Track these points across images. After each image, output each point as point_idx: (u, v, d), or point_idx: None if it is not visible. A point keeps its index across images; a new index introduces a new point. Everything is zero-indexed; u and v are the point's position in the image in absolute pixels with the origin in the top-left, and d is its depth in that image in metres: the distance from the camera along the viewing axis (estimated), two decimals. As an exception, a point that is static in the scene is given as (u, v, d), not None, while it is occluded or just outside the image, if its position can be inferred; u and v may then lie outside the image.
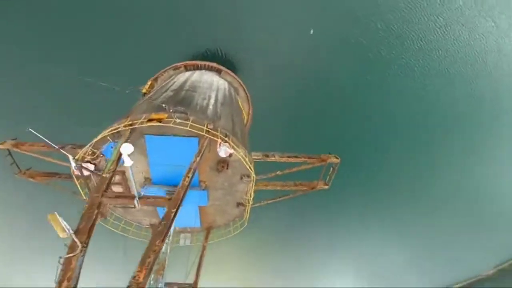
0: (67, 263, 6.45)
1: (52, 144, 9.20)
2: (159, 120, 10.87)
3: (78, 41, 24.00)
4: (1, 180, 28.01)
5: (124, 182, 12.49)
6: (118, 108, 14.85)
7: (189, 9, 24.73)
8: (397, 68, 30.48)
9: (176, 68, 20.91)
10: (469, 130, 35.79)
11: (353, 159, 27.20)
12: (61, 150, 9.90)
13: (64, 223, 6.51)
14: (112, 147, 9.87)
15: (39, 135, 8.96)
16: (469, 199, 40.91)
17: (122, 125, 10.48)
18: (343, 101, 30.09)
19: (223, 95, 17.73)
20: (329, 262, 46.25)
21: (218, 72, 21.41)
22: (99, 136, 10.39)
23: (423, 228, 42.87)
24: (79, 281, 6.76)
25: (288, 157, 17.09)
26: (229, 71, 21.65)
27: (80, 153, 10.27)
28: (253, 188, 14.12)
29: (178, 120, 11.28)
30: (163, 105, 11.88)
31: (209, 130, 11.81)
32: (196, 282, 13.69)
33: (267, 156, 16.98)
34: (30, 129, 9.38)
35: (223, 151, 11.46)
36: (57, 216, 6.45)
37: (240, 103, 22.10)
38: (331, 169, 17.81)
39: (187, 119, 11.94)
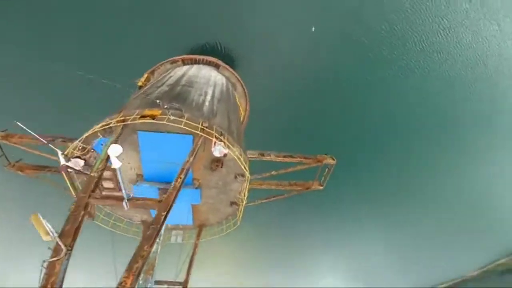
0: (51, 267, 6.21)
1: (40, 138, 8.85)
2: (153, 117, 10.56)
3: (74, 33, 23.47)
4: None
5: (115, 178, 12.19)
6: (114, 101, 14.53)
7: (189, 2, 24.22)
8: (397, 69, 30.25)
9: (173, 62, 20.45)
10: (463, 133, 35.94)
11: (348, 159, 27.05)
12: (50, 145, 9.58)
13: (47, 225, 6.25)
14: (102, 144, 9.56)
15: (25, 128, 8.64)
16: (456, 202, 41.35)
17: (114, 120, 10.16)
18: (342, 101, 29.88)
19: (220, 91, 17.39)
20: (319, 261, 46.71)
21: (216, 67, 20.99)
22: (90, 131, 10.08)
23: (410, 229, 43.41)
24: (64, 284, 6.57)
25: (284, 156, 16.90)
26: (227, 66, 21.23)
27: (69, 148, 9.96)
28: (247, 187, 13.92)
29: (172, 117, 10.99)
30: (157, 101, 11.54)
31: (204, 128, 11.53)
32: (186, 280, 13.55)
33: (263, 155, 16.77)
34: (17, 122, 9.07)
35: (218, 150, 11.20)
36: (40, 217, 6.18)
37: (237, 99, 21.78)
38: (327, 169, 17.71)
39: (182, 116, 11.64)
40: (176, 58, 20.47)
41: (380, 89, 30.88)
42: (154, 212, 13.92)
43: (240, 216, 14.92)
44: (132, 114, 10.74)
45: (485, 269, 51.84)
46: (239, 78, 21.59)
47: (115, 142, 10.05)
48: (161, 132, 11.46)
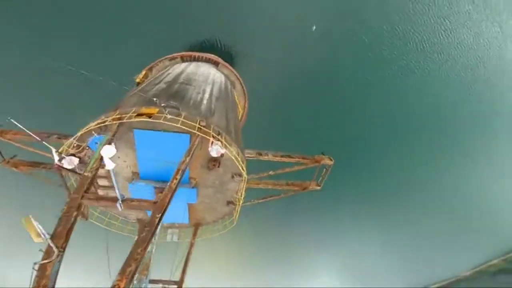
0: (42, 269, 6.09)
1: (33, 135, 8.68)
2: (149, 116, 10.39)
3: (72, 30, 23.16)
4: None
5: (111, 175, 12.07)
6: (113, 99, 14.35)
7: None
8: (397, 69, 30.15)
9: (172, 59, 20.20)
10: (461, 134, 36.01)
11: (346, 159, 27.06)
12: (44, 142, 9.42)
13: (39, 227, 6.12)
14: (96, 143, 9.40)
15: (17, 124, 8.47)
16: (452, 203, 41.57)
17: (110, 118, 10.00)
18: (341, 100, 29.80)
19: (218, 89, 17.21)
20: (314, 261, 46.86)
21: (216, 64, 20.77)
22: (84, 129, 9.91)
23: (406, 230, 43.72)
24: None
25: (282, 156, 16.83)
26: (227, 64, 21.01)
27: (64, 145, 9.79)
28: (244, 187, 13.83)
29: (169, 116, 10.83)
30: (154, 99, 11.37)
31: (201, 127, 11.40)
32: (182, 279, 13.49)
33: (260, 154, 16.69)
34: (10, 119, 8.90)
35: (215, 150, 11.06)
36: (32, 219, 6.05)
37: (236, 97, 21.60)
38: (324, 170, 17.65)
39: (179, 115, 11.49)
40: (175, 55, 20.22)
41: (380, 89, 30.81)
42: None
43: (237, 216, 14.85)
44: (128, 112, 10.56)
45: (478, 269, 52.72)
46: (238, 76, 21.39)
47: (111, 140, 9.91)
48: (157, 130, 11.32)
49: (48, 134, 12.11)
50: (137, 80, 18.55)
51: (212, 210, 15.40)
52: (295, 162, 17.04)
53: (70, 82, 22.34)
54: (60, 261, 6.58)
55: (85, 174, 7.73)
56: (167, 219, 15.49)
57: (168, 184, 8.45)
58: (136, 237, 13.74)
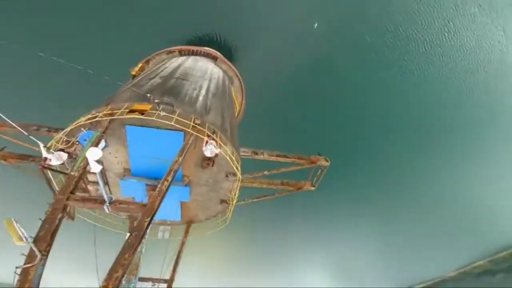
0: (24, 273, 5.86)
1: (18, 127, 8.35)
2: (142, 112, 10.09)
3: (70, 22, 22.50)
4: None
5: (102, 171, 11.80)
6: (108, 92, 14.01)
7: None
8: (397, 70, 29.86)
9: (170, 52, 19.72)
10: (453, 138, 35.86)
11: (341, 158, 26.89)
12: (31, 136, 9.10)
13: (21, 230, 5.87)
14: (85, 140, 9.10)
15: (3, 116, 8.15)
16: (439, 204, 41.79)
17: (101, 114, 9.69)
18: (339, 100, 29.53)
19: (216, 85, 16.87)
20: (300, 260, 47.12)
21: (214, 59, 20.36)
22: (74, 124, 9.60)
23: (393, 230, 43.96)
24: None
25: (277, 156, 16.63)
26: (225, 59, 20.60)
27: (52, 140, 9.48)
28: (238, 187, 13.64)
29: (162, 113, 10.53)
30: (148, 95, 11.05)
31: (195, 126, 11.13)
32: (172, 278, 13.34)
33: (256, 153, 16.49)
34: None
35: (209, 150, 10.80)
36: (14, 222, 5.80)
37: (233, 93, 21.27)
38: (320, 170, 17.50)
39: (173, 112, 11.20)
40: (173, 48, 19.74)
41: (379, 89, 30.55)
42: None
43: (230, 215, 14.69)
44: (120, 107, 10.26)
45: (462, 270, 53.44)
46: (237, 72, 21.01)
47: (101, 137, 9.63)
48: (150, 127, 11.04)
49: (38, 127, 11.77)
50: (133, 72, 18.12)
51: (205, 208, 15.22)
52: (291, 162, 16.87)
53: (66, 77, 21.80)
54: (43, 265, 6.35)
55: (72, 173, 7.45)
56: (159, 216, 15.35)
57: (159, 185, 8.19)
58: (127, 234, 13.63)
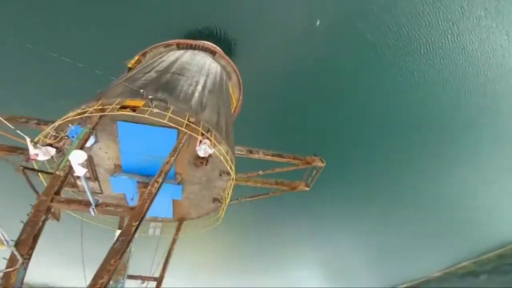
0: (6, 278, 5.63)
1: (4, 121, 8.01)
2: (134, 109, 9.77)
3: (58, 9, 21.72)
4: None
5: (91, 167, 11.54)
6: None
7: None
8: (397, 71, 29.59)
9: (167, 46, 19.24)
10: (446, 141, 35.82)
11: (336, 158, 26.75)
12: (17, 131, 8.78)
13: (2, 233, 5.62)
14: (73, 137, 8.79)
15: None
16: (427, 206, 42.09)
17: (90, 109, 9.36)
18: (339, 99, 29.24)
19: (213, 81, 16.52)
20: (291, 259, 47.42)
21: (212, 53, 19.93)
22: (62, 119, 9.26)
23: (379, 230, 44.28)
24: None
25: (273, 155, 16.43)
26: (224, 54, 20.18)
27: (40, 135, 9.17)
28: (232, 187, 13.43)
29: (155, 110, 10.22)
30: (141, 91, 10.71)
31: (189, 124, 10.84)
32: (162, 276, 13.18)
33: (251, 152, 16.26)
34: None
35: (203, 150, 10.54)
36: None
37: (230, 88, 20.91)
38: (315, 171, 17.38)
39: (167, 109, 10.90)
40: (171, 41, 19.24)
41: (378, 90, 30.30)
42: (132, 203, 13.39)
43: (222, 214, 14.52)
44: (111, 103, 9.93)
45: (447, 270, 54.39)
46: (235, 68, 20.61)
47: (90, 133, 9.33)
48: (143, 123, 10.73)
49: (27, 119, 11.41)
50: (129, 65, 17.68)
51: (197, 206, 15.02)
52: (286, 162, 16.68)
53: (56, 70, 21.20)
54: (25, 269, 6.13)
55: (56, 173, 7.17)
56: (150, 212, 15.15)
57: (149, 187, 7.93)
58: (116, 230, 13.41)
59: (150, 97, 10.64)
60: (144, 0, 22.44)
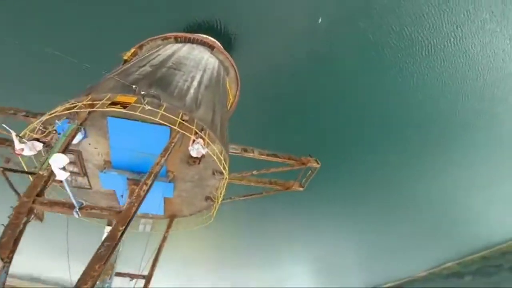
0: (-15, 282, 5.40)
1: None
2: (124, 105, 9.44)
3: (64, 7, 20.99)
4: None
5: (80, 162, 11.23)
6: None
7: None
8: (397, 72, 29.31)
9: (165, 38, 18.72)
10: (440, 143, 35.84)
11: (330, 159, 26.61)
12: (3, 125, 8.47)
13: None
14: (60, 133, 8.46)
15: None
16: (416, 206, 42.35)
17: (79, 104, 9.02)
18: (338, 99, 28.98)
19: (209, 77, 16.14)
20: (281, 259, 47.66)
21: (211, 48, 19.47)
22: (49, 114, 8.92)
23: (369, 230, 44.67)
24: None
25: (268, 155, 16.21)
26: (222, 49, 19.73)
27: (26, 130, 8.83)
28: (224, 186, 13.22)
29: (147, 107, 9.90)
30: (133, 86, 10.35)
31: (182, 122, 10.54)
32: (151, 274, 12.99)
33: (246, 151, 16.01)
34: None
35: (196, 150, 10.27)
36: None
37: (228, 84, 20.54)
38: (310, 172, 17.25)
39: (160, 106, 10.58)
40: (169, 34, 18.73)
41: (377, 91, 30.06)
42: (122, 200, 13.13)
43: (215, 213, 14.35)
44: (101, 98, 9.58)
45: (431, 271, 55.22)
46: (233, 63, 20.20)
47: (78, 129, 9.01)
48: (134, 120, 10.40)
49: (15, 111, 11.02)
50: (125, 57, 17.21)
51: (189, 204, 14.80)
52: (281, 162, 16.50)
53: (48, 65, 20.59)
54: (6, 272, 5.90)
55: (40, 173, 6.87)
56: (140, 209, 14.92)
57: (137, 189, 7.67)
58: (106, 227, 13.18)
59: (142, 93, 10.27)
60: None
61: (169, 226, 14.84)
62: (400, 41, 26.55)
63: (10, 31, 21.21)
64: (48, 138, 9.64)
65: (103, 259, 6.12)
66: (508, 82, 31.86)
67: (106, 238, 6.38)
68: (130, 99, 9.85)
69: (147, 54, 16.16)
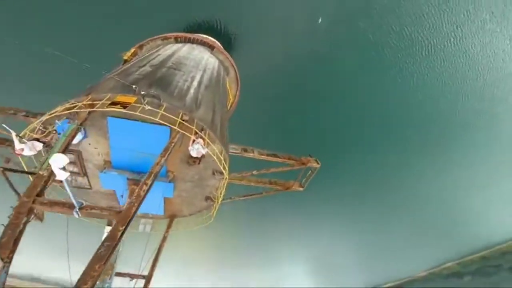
0: (-15, 282, 5.41)
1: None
2: (124, 105, 9.45)
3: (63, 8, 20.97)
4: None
5: (80, 162, 11.24)
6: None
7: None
8: (397, 72, 29.30)
9: (165, 38, 18.73)
10: (439, 143, 35.79)
11: (330, 158, 26.62)
12: (3, 125, 8.47)
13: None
14: (59, 133, 8.47)
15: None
16: (415, 206, 42.29)
17: (79, 104, 9.02)
18: (338, 99, 28.96)
19: (209, 77, 16.15)
20: (279, 258, 47.60)
21: (211, 48, 19.48)
22: (49, 114, 8.93)
23: (369, 230, 44.61)
24: None
25: (268, 155, 16.21)
26: (222, 49, 19.73)
27: (26, 130, 8.84)
28: (224, 186, 13.23)
29: (147, 107, 9.91)
30: (133, 86, 10.36)
31: (182, 122, 10.55)
32: (151, 274, 13.00)
33: (246, 150, 16.01)
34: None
35: (195, 151, 10.28)
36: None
37: (228, 84, 20.55)
38: (310, 172, 17.24)
39: (160, 106, 10.58)
40: (169, 34, 18.74)
41: (377, 91, 30.05)
42: (121, 200, 13.14)
43: (214, 213, 14.35)
44: (101, 98, 9.58)
45: (431, 271, 55.20)
46: (233, 63, 20.20)
47: (78, 129, 9.02)
48: (134, 120, 10.41)
49: (15, 111, 11.02)
50: (125, 57, 17.21)
51: (189, 203, 14.82)
52: (281, 162, 16.50)
53: (48, 65, 20.57)
54: (6, 272, 5.91)
55: (40, 173, 6.87)
56: (140, 209, 14.93)
57: (137, 190, 7.67)
58: (106, 227, 13.18)
59: (142, 93, 10.28)
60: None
61: (169, 226, 14.86)
62: (400, 41, 26.53)
63: (10, 31, 21.30)
64: (48, 138, 9.65)
65: (103, 259, 6.13)
66: (508, 82, 31.82)
67: (106, 238, 6.39)
68: (130, 99, 9.86)
69: (147, 54, 16.17)
